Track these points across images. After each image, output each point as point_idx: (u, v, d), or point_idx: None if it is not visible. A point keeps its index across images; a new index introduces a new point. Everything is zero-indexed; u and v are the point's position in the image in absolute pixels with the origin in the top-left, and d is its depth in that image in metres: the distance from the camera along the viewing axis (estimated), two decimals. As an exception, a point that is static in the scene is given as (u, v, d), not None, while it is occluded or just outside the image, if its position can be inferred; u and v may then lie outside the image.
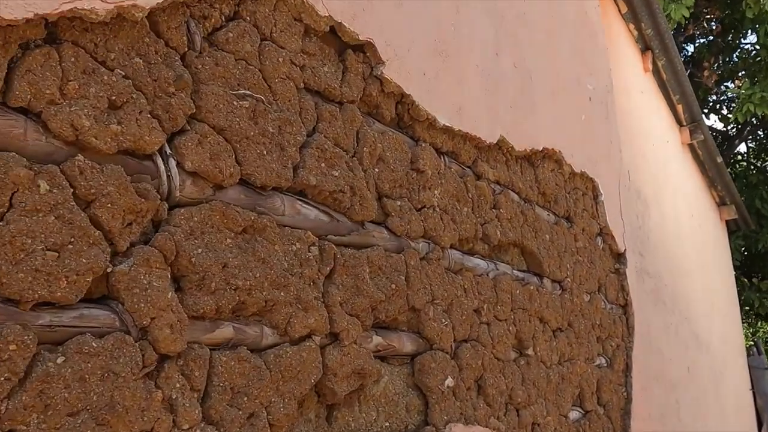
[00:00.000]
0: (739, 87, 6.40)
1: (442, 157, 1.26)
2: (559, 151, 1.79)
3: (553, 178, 1.77)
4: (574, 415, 1.65)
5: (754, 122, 9.37)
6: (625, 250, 2.22)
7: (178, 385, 0.67)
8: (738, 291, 7.80)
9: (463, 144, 1.32)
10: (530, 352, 1.46)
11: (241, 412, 0.73)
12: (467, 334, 1.22)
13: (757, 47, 7.27)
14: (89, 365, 0.58)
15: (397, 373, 1.05)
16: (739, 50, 7.75)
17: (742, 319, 12.46)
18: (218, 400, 0.71)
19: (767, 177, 8.07)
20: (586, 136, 2.08)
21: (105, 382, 0.59)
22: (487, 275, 1.34)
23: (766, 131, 9.07)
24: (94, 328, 0.61)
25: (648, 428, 2.43)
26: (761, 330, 13.05)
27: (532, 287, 1.51)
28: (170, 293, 0.67)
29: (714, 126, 11.68)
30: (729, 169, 9.54)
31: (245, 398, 0.74)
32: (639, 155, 3.76)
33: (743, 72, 7.48)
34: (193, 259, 0.70)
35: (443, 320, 1.14)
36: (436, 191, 1.19)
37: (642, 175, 3.73)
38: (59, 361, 0.56)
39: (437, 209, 1.19)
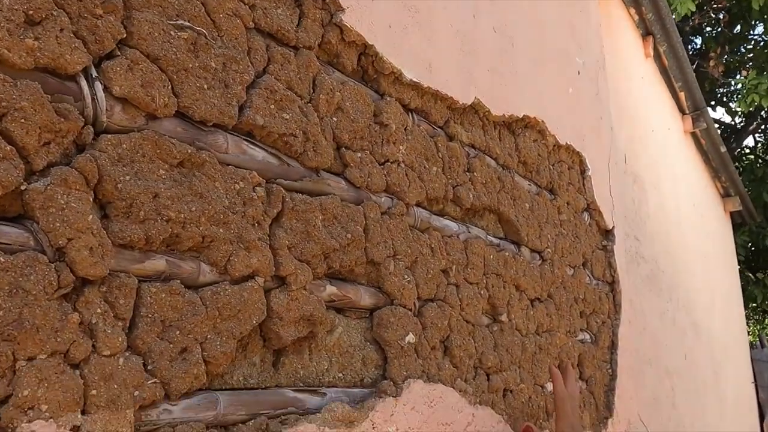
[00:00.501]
0: (745, 77, 6.29)
1: (410, 114, 1.23)
2: (542, 122, 1.75)
3: (536, 148, 1.74)
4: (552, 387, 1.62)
5: (763, 116, 9.24)
6: (613, 227, 2.18)
7: (99, 311, 0.64)
8: (743, 286, 7.72)
9: (433, 103, 1.29)
10: (504, 318, 1.43)
11: (172, 346, 0.71)
12: (433, 293, 1.19)
13: (765, 38, 7.16)
14: (-5, 279, 0.56)
15: (354, 326, 1.03)
16: (745, 41, 7.63)
17: (749, 315, 12.31)
18: (146, 331, 0.69)
19: (774, 169, 7.95)
20: (573, 110, 2.05)
21: (13, 298, 0.57)
22: (458, 237, 1.31)
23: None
24: (5, 244, 0.59)
25: (638, 410, 2.39)
26: (768, 327, 12.88)
27: (507, 254, 1.48)
28: (91, 216, 0.64)
29: (722, 119, 11.55)
30: (736, 163, 9.44)
31: (177, 332, 0.72)
32: (637, 140, 3.70)
33: (750, 64, 7.37)
34: (119, 186, 0.68)
35: (405, 276, 1.12)
36: (401, 146, 1.16)
37: (640, 159, 3.67)
38: (-39, 272, 0.55)
39: (402, 165, 1.16)
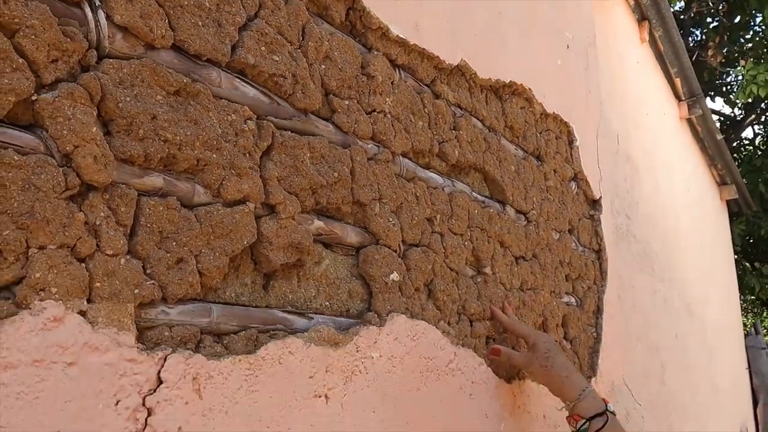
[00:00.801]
0: (743, 67, 6.35)
1: (396, 70, 1.30)
2: (530, 89, 1.82)
3: (523, 115, 1.80)
4: (536, 342, 1.69)
5: (763, 107, 9.28)
6: (600, 197, 2.25)
7: (102, 215, 0.71)
8: (739, 275, 7.78)
9: (420, 61, 1.36)
10: (488, 271, 1.50)
11: (169, 255, 0.78)
12: (418, 239, 1.26)
13: (763, 27, 7.21)
14: (11, 174, 0.63)
15: (341, 261, 1.10)
16: (745, 30, 7.68)
17: (748, 308, 12.35)
18: (145, 239, 0.76)
19: (771, 160, 8.01)
20: (561, 82, 2.11)
21: (26, 192, 0.64)
22: (443, 190, 1.38)
23: (773, 115, 8.98)
24: (18, 147, 0.65)
25: (623, 376, 2.46)
26: (766, 320, 12.97)
27: (492, 210, 1.55)
28: (95, 128, 0.71)
29: (722, 111, 11.57)
30: (735, 155, 9.47)
31: (174, 243, 0.79)
32: (631, 122, 3.76)
33: (749, 54, 7.43)
34: (120, 105, 0.75)
35: (390, 219, 1.18)
36: (388, 98, 1.23)
37: (633, 141, 3.73)
38: (-20, 164, 0.62)
39: (389, 115, 1.23)
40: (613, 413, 1.29)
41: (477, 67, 1.54)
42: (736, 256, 7.96)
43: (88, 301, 0.68)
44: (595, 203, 2.23)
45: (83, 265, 0.69)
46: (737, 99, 6.22)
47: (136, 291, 0.73)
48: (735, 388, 5.28)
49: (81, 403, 0.64)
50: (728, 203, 6.68)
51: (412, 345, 1.16)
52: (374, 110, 1.20)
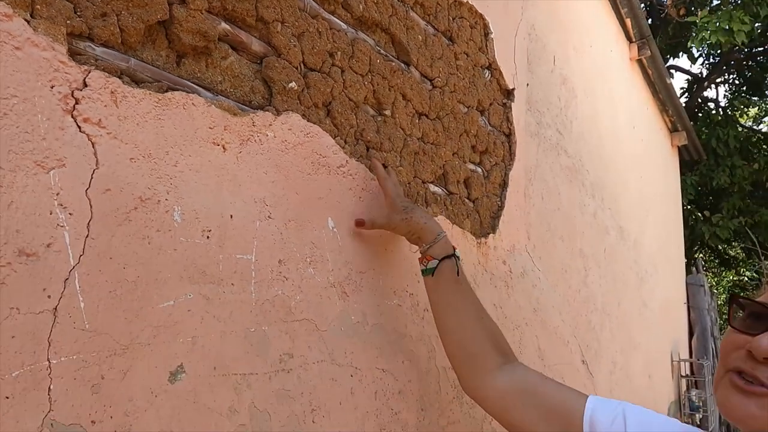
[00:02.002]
0: (697, 17, 6.68)
1: (305, -75, 1.57)
2: (442, -25, 2.10)
3: (435, -3, 2.08)
4: (435, 189, 2.01)
5: (725, 67, 9.64)
6: (514, 88, 2.55)
7: (42, -39, 0.99)
8: (692, 225, 8.24)
9: None
10: (388, 113, 1.80)
11: (95, 8, 1.06)
12: (318, 66, 1.55)
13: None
14: None
15: (246, 64, 1.38)
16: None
17: (706, 268, 12.89)
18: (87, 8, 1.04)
19: (728, 117, 8.42)
20: (479, -22, 2.39)
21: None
22: (346, 34, 1.67)
23: (737, 73, 9.36)
24: None
25: (528, 248, 2.81)
26: (725, 279, 13.69)
27: (395, 65, 1.84)
28: None
29: (692, 71, 11.93)
30: (698, 112, 9.86)
31: (99, 1, 1.07)
32: (571, 47, 4.05)
33: (710, 6, 7.75)
34: None
35: (292, 40, 1.47)
36: (294, -56, 1.50)
37: (572, 65, 4.02)
38: None
39: (294, -42, 1.50)
40: (458, 257, 1.46)
41: (387, -58, 1.81)
42: (689, 206, 8.42)
43: (31, 16, 0.97)
44: (508, 93, 2.54)
45: (27, -10, 0.97)
46: (691, 45, 6.58)
47: (68, 21, 1.01)
48: (669, 314, 5.76)
49: (24, 76, 0.93)
50: (680, 150, 7.09)
51: (306, 139, 1.46)
52: (280, -49, 1.47)
